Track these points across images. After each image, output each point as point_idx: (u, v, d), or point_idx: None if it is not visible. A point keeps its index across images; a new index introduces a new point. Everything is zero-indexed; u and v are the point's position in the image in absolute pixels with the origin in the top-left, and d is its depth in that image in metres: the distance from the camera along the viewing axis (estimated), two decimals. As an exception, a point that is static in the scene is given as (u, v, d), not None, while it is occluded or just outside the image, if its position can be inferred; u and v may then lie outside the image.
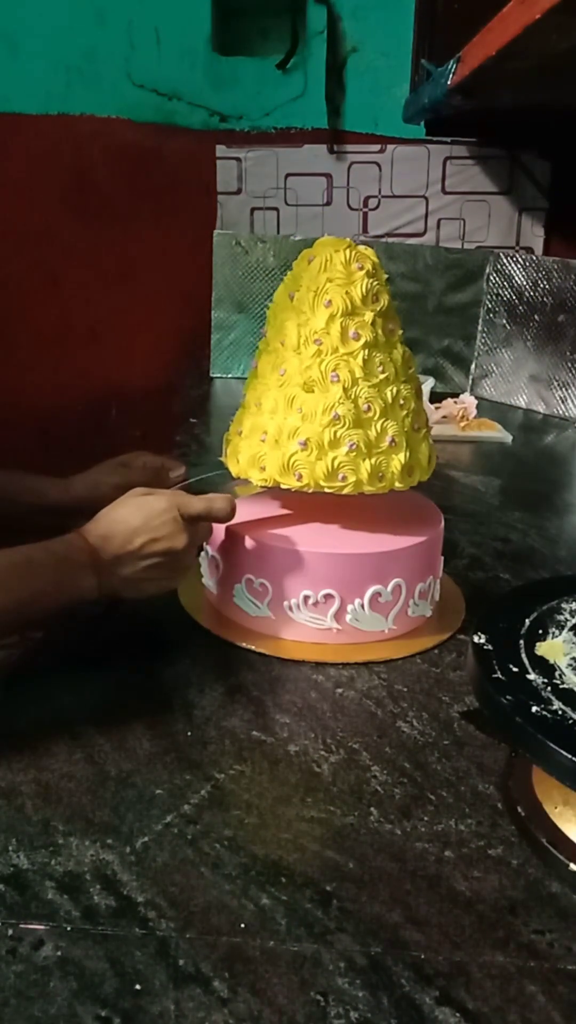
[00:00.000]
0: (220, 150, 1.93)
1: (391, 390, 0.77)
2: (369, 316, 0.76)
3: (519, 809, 0.57)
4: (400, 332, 0.80)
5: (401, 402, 0.78)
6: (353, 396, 0.76)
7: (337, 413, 0.75)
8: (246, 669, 0.74)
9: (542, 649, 0.59)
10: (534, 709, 0.52)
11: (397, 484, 0.78)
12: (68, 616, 0.76)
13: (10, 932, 0.47)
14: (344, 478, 0.76)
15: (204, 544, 0.83)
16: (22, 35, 1.85)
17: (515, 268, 1.74)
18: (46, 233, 1.99)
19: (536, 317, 1.72)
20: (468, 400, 1.61)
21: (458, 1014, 0.43)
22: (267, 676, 0.73)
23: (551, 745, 0.49)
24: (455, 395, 1.67)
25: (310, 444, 0.75)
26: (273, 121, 1.91)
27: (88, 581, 0.69)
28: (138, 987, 0.44)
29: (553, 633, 0.61)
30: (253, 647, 0.77)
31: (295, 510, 0.84)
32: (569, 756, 0.48)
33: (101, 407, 2.02)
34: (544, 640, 0.60)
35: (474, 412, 1.59)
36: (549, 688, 0.54)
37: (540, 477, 1.39)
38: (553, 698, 0.53)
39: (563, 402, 1.70)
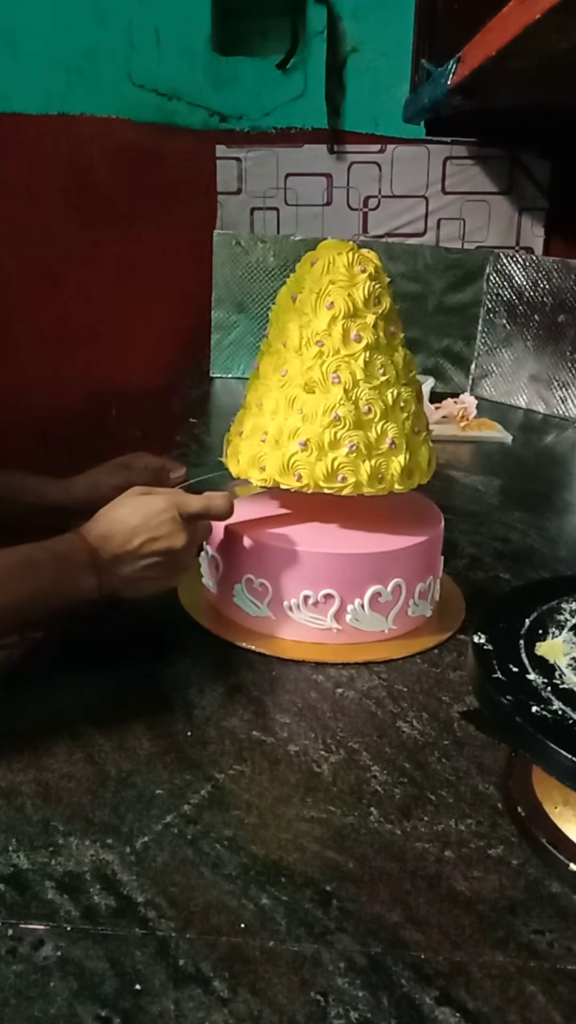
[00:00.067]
0: (220, 150, 1.93)
1: (392, 392, 0.77)
2: (371, 318, 0.76)
3: (519, 809, 0.57)
4: (401, 335, 0.80)
5: (402, 404, 0.78)
6: (354, 398, 0.76)
7: (337, 414, 0.75)
8: (246, 669, 0.74)
9: (542, 649, 0.59)
10: (534, 709, 0.52)
11: (396, 486, 0.78)
12: (68, 616, 0.76)
13: (10, 932, 0.47)
14: (344, 479, 0.76)
15: (204, 544, 0.83)
16: (22, 35, 1.85)
17: (515, 268, 1.74)
18: (46, 233, 1.99)
19: (536, 317, 1.72)
20: (468, 400, 1.61)
21: (458, 1014, 0.43)
22: (267, 676, 0.73)
23: (551, 745, 0.49)
24: (455, 395, 1.67)
25: (310, 445, 0.75)
26: (273, 121, 1.91)
27: (88, 581, 0.69)
28: (138, 987, 0.44)
29: (553, 633, 0.61)
30: (253, 647, 0.77)
31: (295, 510, 0.84)
32: (569, 756, 0.48)
33: (101, 407, 2.02)
34: (544, 640, 0.60)
35: (474, 412, 1.59)
36: (549, 688, 0.54)
37: (540, 477, 1.39)
38: (553, 698, 0.53)
39: (563, 402, 1.70)
